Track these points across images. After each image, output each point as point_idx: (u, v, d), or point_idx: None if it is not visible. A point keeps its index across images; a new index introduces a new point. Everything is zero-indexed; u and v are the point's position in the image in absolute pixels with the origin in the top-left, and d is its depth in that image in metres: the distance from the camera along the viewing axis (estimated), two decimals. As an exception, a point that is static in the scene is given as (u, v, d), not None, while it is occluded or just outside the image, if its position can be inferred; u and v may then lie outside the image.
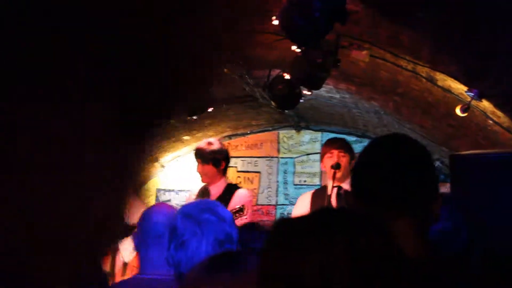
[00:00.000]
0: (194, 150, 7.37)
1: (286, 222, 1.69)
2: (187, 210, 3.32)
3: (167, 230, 3.70)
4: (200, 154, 7.18)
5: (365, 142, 11.19)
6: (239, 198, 7.10)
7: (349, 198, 6.60)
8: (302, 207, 6.94)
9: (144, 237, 3.78)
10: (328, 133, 11.30)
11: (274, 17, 4.77)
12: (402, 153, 2.28)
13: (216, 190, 7.19)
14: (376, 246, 1.55)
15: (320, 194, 6.90)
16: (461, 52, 5.24)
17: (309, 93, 6.84)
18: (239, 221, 6.45)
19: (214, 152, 7.24)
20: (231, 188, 7.29)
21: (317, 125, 11.43)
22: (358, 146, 11.22)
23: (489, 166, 5.92)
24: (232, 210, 6.72)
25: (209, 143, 7.38)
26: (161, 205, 4.24)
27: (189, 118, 7.60)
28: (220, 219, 3.27)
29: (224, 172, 7.29)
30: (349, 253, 1.51)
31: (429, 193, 2.24)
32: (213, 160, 7.22)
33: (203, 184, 7.37)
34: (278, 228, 1.67)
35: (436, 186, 2.28)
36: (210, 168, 7.20)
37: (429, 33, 5.15)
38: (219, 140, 7.59)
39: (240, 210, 6.92)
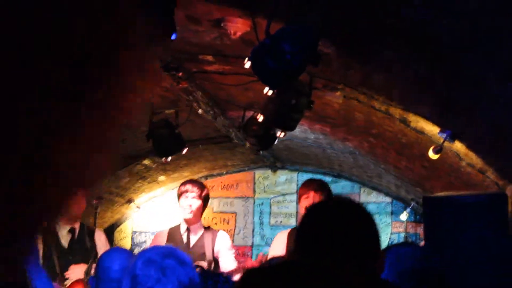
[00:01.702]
0: (185, 183, 7.25)
1: (254, 274, 1.70)
2: (149, 256, 3.26)
3: (121, 274, 3.67)
4: (195, 189, 7.07)
5: (341, 182, 11.24)
6: (224, 241, 7.08)
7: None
8: (278, 247, 6.89)
9: (98, 282, 3.76)
10: (303, 173, 11.31)
11: (246, 59, 4.77)
12: (345, 218, 2.41)
13: (196, 231, 7.09)
14: None
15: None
16: (432, 94, 5.28)
17: (283, 134, 6.85)
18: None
19: (207, 191, 7.21)
20: (211, 230, 7.24)
21: (293, 165, 11.44)
22: (334, 187, 11.23)
23: (461, 207, 5.95)
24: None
25: (201, 182, 7.37)
26: (115, 250, 4.21)
27: (162, 159, 7.54)
28: (182, 263, 3.24)
29: (201, 215, 7.25)
30: None
31: (371, 253, 2.35)
32: (204, 199, 7.16)
33: (177, 223, 7.28)
34: (245, 280, 1.68)
35: (378, 246, 2.41)
36: (200, 206, 7.12)
37: (400, 74, 5.19)
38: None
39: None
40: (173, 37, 4.27)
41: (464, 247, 5.78)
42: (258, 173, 11.63)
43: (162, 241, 6.96)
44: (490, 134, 5.33)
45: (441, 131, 5.93)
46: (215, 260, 6.90)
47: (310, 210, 2.56)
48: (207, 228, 7.25)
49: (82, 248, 6.87)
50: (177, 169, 10.43)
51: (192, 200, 7.01)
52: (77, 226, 7.06)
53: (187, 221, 7.07)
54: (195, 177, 11.38)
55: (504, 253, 5.76)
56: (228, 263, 6.89)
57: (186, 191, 7.03)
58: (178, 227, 7.18)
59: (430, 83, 5.10)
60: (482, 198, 6.12)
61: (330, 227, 2.38)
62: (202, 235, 7.06)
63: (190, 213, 7.02)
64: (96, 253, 6.67)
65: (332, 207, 2.52)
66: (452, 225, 5.94)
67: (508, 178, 6.12)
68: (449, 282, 4.14)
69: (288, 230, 7.18)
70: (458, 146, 6.13)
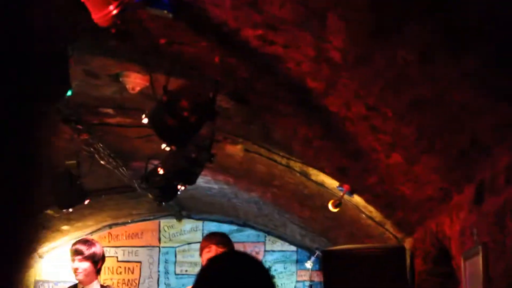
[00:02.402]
0: (72, 246, 7.02)
1: None
2: None
3: None
4: (80, 251, 6.86)
5: (247, 231, 11.26)
6: None
7: None
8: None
9: None
10: (209, 221, 11.30)
11: (144, 115, 4.76)
12: (242, 272, 2.41)
13: None
14: None
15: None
16: (327, 156, 5.37)
17: (183, 187, 6.83)
18: None
19: (94, 250, 6.95)
20: None
21: (198, 214, 11.40)
22: (240, 235, 11.25)
23: (359, 260, 6.03)
24: None
25: (89, 241, 7.12)
26: None
27: (64, 210, 7.41)
28: None
29: (98, 273, 7.01)
30: None
31: None
32: (93, 259, 6.92)
33: (75, 282, 7.06)
34: None
35: None
36: (88, 266, 6.88)
37: (298, 132, 5.26)
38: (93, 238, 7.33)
39: None
40: (69, 93, 4.24)
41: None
42: (164, 222, 11.56)
43: None
44: (384, 192, 5.43)
45: (340, 186, 6.01)
46: None
47: (207, 264, 2.56)
48: (104, 287, 7.05)
49: None
50: (81, 219, 10.27)
51: (77, 264, 6.81)
52: None
53: (80, 282, 6.89)
54: (99, 226, 11.25)
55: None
56: None
57: (72, 254, 6.83)
58: (75, 286, 6.99)
59: (324, 146, 5.19)
60: (380, 251, 6.21)
61: (228, 282, 2.38)
62: None
63: (78, 275, 6.82)
64: None
65: (230, 261, 2.52)
66: (351, 278, 6.01)
67: (405, 231, 6.23)
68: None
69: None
70: (357, 199, 6.22)
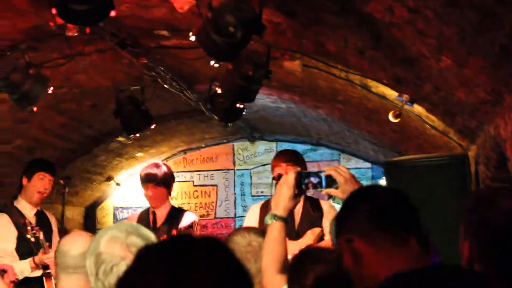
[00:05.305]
0: (141, 174, 7.09)
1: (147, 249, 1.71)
2: (113, 234, 3.23)
3: (81, 259, 3.62)
4: (152, 177, 6.93)
5: (320, 149, 11.27)
6: (187, 219, 6.99)
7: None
8: (251, 218, 6.81)
9: (57, 268, 3.75)
10: (282, 142, 11.33)
11: (191, 33, 4.79)
12: None
13: (162, 212, 6.98)
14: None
15: (269, 205, 6.72)
16: (381, 66, 5.31)
17: (242, 106, 6.85)
18: None
19: (166, 173, 7.00)
20: (177, 210, 7.12)
21: (271, 135, 11.46)
22: (314, 154, 11.28)
23: (422, 170, 5.99)
24: (182, 228, 6.70)
25: (157, 165, 7.17)
26: (75, 234, 4.16)
27: (131, 136, 7.50)
28: (147, 240, 3.21)
29: (170, 194, 7.13)
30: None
31: None
32: (165, 183, 6.98)
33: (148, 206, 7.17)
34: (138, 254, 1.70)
35: None
36: (162, 191, 6.96)
37: (348, 42, 5.20)
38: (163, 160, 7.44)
39: (190, 227, 6.83)
40: (112, 14, 4.28)
41: (427, 209, 5.81)
42: (237, 145, 11.66)
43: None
44: (441, 99, 5.35)
45: (399, 96, 5.94)
46: None
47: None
48: (175, 208, 7.13)
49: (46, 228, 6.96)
50: (154, 145, 10.44)
51: (152, 191, 6.91)
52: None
53: (153, 207, 7.01)
54: (174, 151, 11.41)
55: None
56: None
57: (146, 184, 6.94)
58: (147, 210, 7.12)
59: (376, 56, 5.13)
60: (442, 159, 6.15)
61: None
62: (167, 215, 6.99)
63: (154, 203, 6.95)
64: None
65: None
66: (414, 188, 5.97)
67: (468, 138, 6.15)
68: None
69: (261, 202, 7.07)
70: (419, 109, 6.15)
